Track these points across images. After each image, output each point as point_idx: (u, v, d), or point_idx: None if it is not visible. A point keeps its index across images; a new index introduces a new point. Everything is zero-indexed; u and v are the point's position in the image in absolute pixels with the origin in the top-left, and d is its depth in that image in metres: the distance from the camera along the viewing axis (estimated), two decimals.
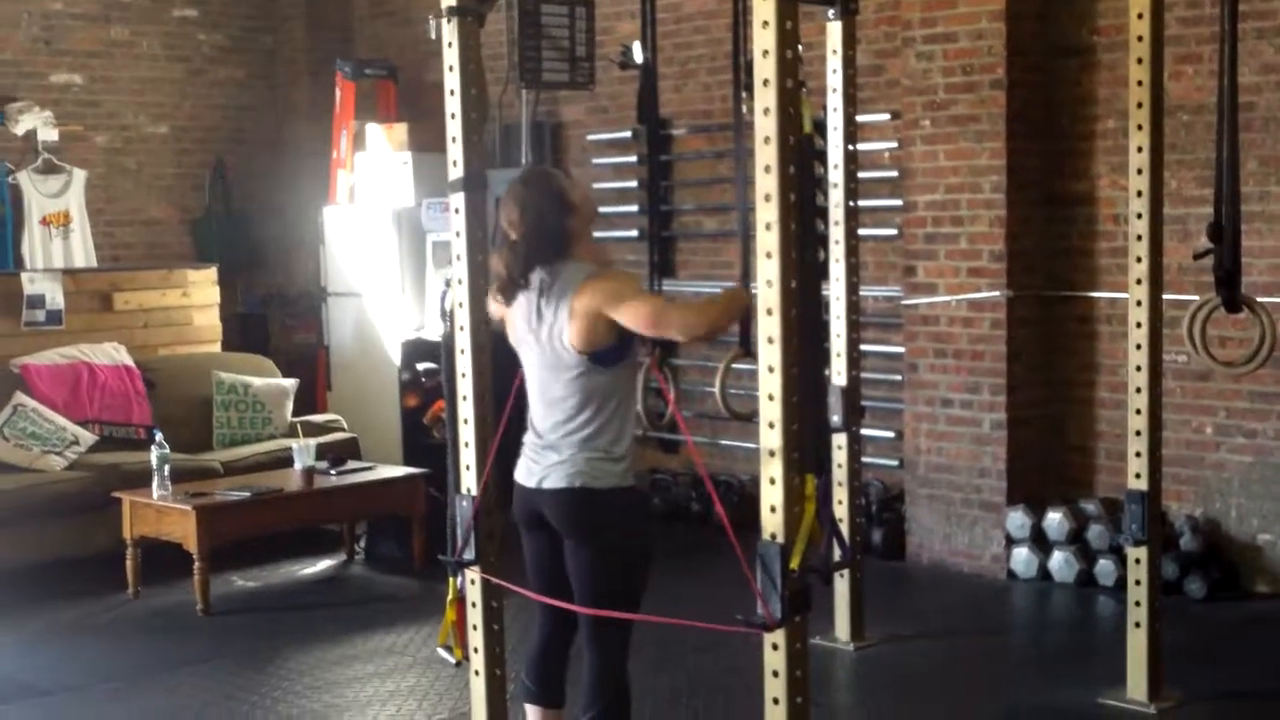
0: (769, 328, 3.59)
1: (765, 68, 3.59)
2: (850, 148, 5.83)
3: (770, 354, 3.60)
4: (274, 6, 10.41)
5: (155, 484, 6.67)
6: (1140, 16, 4.95)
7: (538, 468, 4.06)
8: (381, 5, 10.24)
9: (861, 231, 7.18)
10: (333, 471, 7.15)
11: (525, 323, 4.08)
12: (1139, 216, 5.01)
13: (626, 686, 4.09)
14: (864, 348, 7.34)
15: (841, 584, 5.84)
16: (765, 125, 3.59)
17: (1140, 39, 4.97)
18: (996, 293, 6.83)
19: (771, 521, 3.61)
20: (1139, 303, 4.99)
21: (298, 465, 6.93)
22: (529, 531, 4.16)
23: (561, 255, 4.04)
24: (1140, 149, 5.00)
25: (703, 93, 8.37)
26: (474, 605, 4.47)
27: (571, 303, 3.95)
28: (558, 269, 4.02)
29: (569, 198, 4.11)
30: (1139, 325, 5.00)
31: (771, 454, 3.61)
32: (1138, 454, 5.02)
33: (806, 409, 3.70)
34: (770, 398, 3.61)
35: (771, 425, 3.61)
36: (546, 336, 4.02)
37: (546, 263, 4.03)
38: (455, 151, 4.49)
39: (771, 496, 3.61)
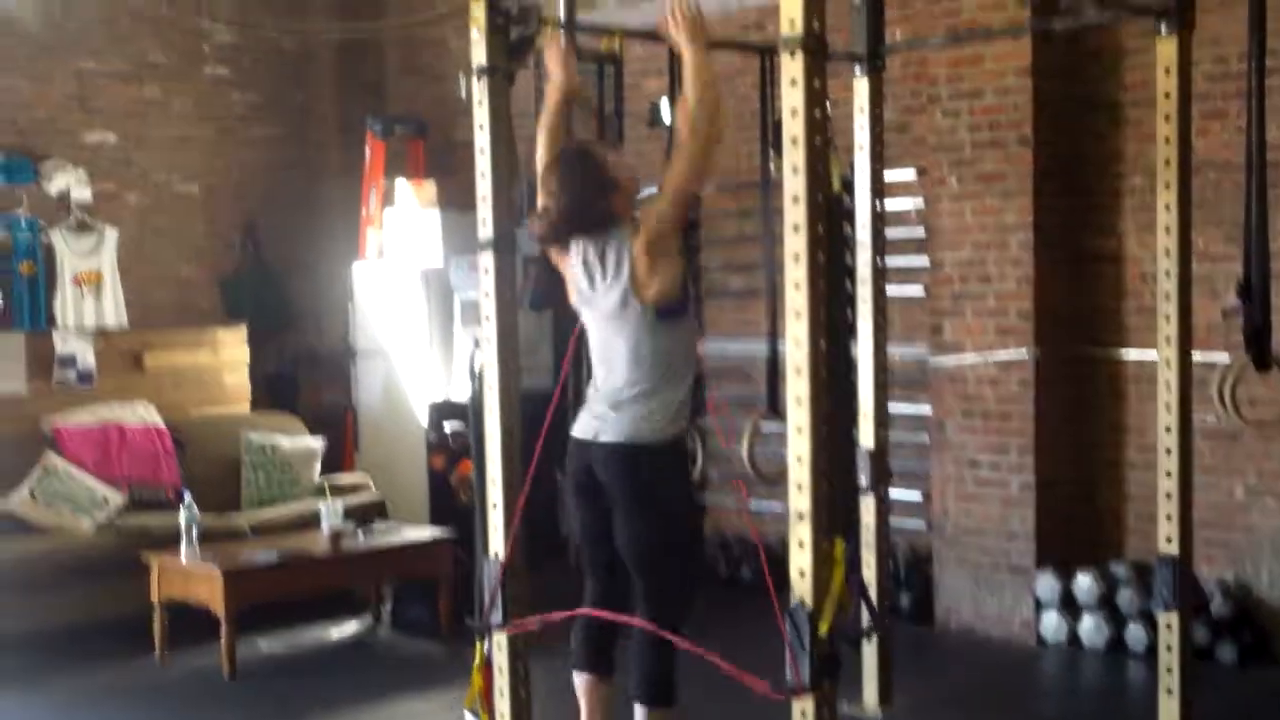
0: (797, 388, 3.59)
1: (793, 126, 3.60)
2: (878, 206, 5.82)
3: (799, 415, 3.59)
4: (306, 65, 10.50)
5: (183, 546, 6.67)
6: (1167, 72, 4.94)
7: (595, 422, 4.23)
8: (412, 63, 10.32)
9: (889, 290, 7.21)
10: (360, 533, 7.13)
11: (587, 282, 4.26)
12: (1167, 275, 4.98)
13: (674, 653, 4.13)
14: (891, 408, 7.35)
15: (869, 649, 5.75)
16: (794, 184, 3.60)
17: (1167, 95, 4.96)
18: (1024, 351, 6.79)
19: (800, 586, 3.59)
20: (1168, 362, 4.96)
21: (325, 527, 6.92)
22: (580, 495, 4.30)
23: (605, 227, 4.22)
24: (1168, 207, 4.98)
25: (729, 150, 8.36)
26: (500, 670, 4.45)
27: (633, 252, 4.13)
28: (609, 233, 4.20)
29: (610, 174, 4.26)
30: (1168, 385, 4.96)
31: (800, 517, 3.59)
32: (1168, 517, 4.96)
33: (835, 471, 3.68)
34: (799, 460, 3.60)
35: (800, 488, 3.60)
36: (613, 293, 4.15)
37: (588, 234, 4.23)
38: (485, 210, 4.51)
39: (800, 560, 3.59)
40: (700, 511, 4.27)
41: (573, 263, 4.30)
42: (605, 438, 4.16)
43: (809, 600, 3.56)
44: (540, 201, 4.37)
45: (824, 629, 3.54)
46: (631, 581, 4.20)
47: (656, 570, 4.09)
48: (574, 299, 4.35)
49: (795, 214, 3.58)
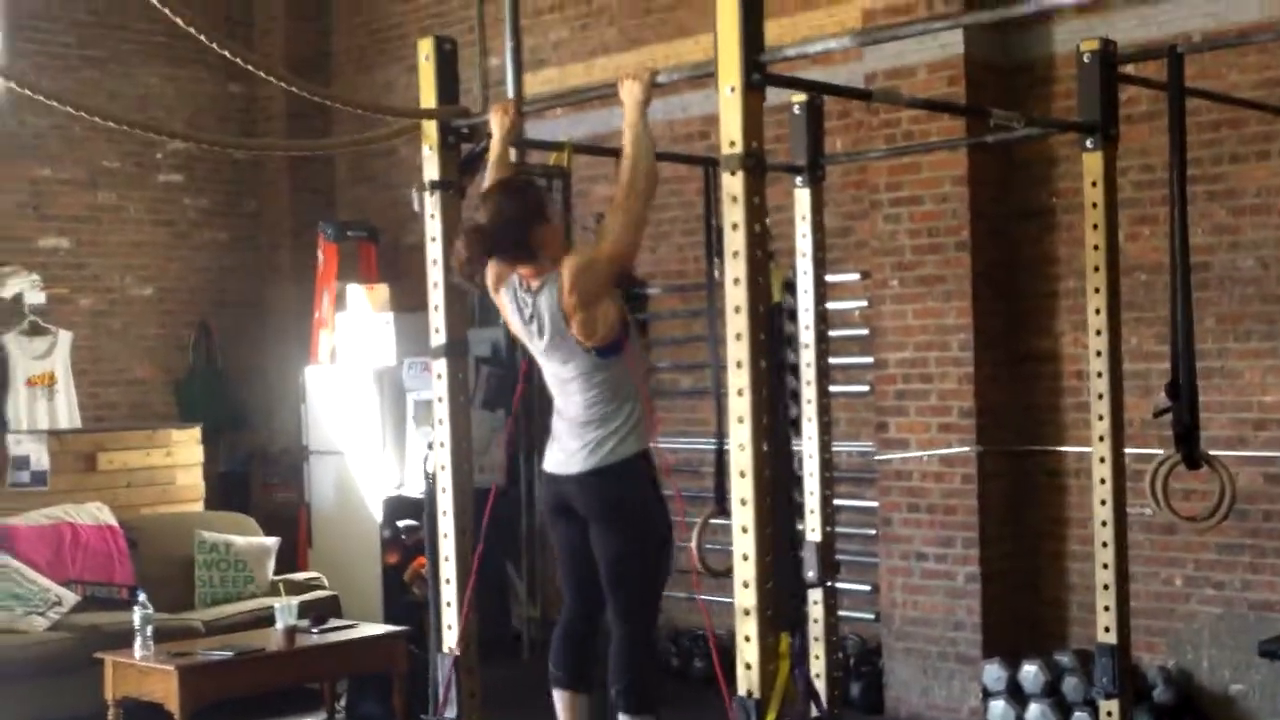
0: (742, 490, 3.74)
1: (735, 240, 3.78)
2: (820, 308, 6.00)
3: (744, 515, 3.74)
4: (258, 171, 10.67)
5: (138, 644, 6.70)
6: (1094, 185, 5.17)
7: (563, 455, 4.40)
8: (362, 170, 10.50)
9: (834, 388, 7.35)
10: (314, 630, 7.18)
11: (521, 324, 4.42)
12: (1099, 375, 5.17)
13: (654, 657, 4.36)
14: (839, 502, 7.45)
15: None
16: (735, 295, 3.77)
17: (1095, 205, 5.18)
18: (966, 448, 6.98)
19: (747, 678, 3.72)
20: (1102, 459, 5.14)
21: (279, 624, 6.96)
22: (556, 520, 4.48)
23: (532, 258, 4.34)
24: (1098, 310, 5.18)
25: (676, 253, 8.59)
26: None
27: (563, 304, 4.26)
28: (541, 286, 4.33)
29: (543, 207, 4.42)
30: (1103, 481, 5.14)
31: (746, 612, 3.73)
32: (1106, 608, 5.12)
33: (779, 567, 3.83)
34: (745, 558, 3.74)
35: (746, 585, 3.74)
36: (553, 341, 4.26)
37: (510, 258, 4.35)
38: (437, 319, 4.67)
39: (748, 654, 3.73)
40: (669, 534, 4.44)
41: (507, 311, 4.44)
42: (574, 469, 4.34)
43: (756, 691, 3.69)
44: (470, 223, 4.44)
45: (771, 719, 3.67)
46: (602, 600, 4.36)
47: (630, 584, 4.28)
48: (513, 330, 4.50)
49: (737, 324, 3.75)
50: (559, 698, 4.49)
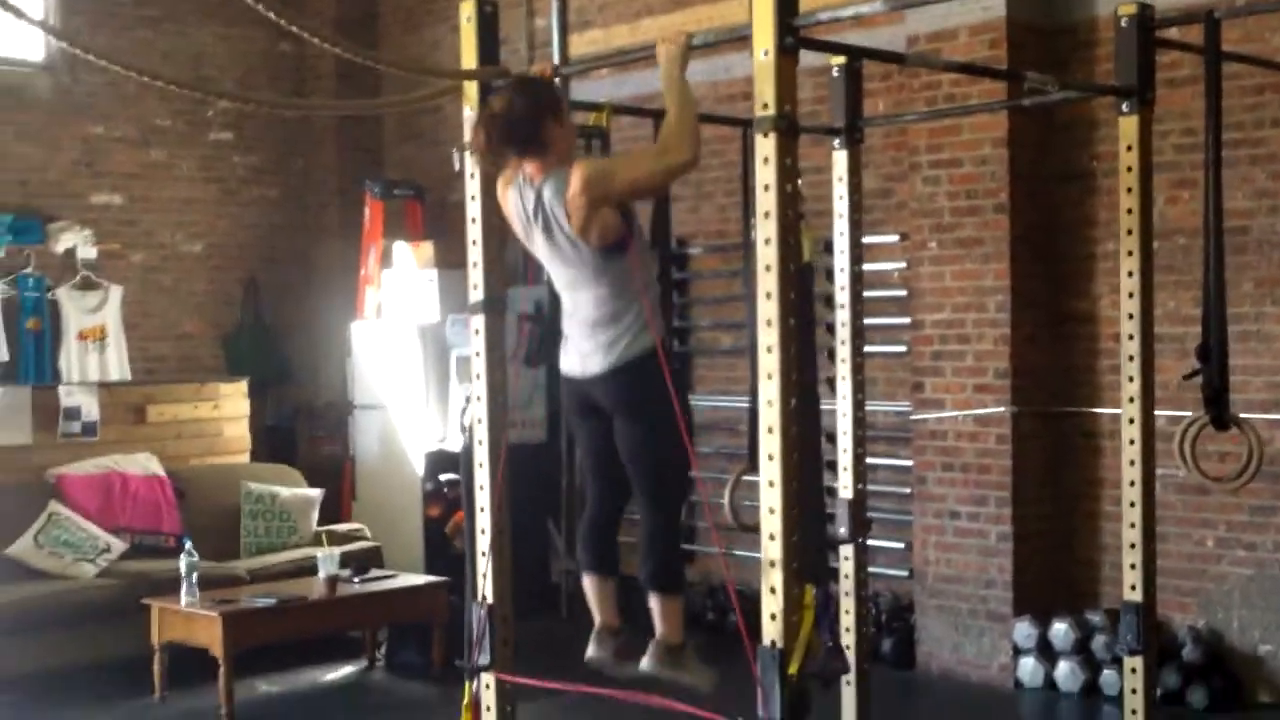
0: (770, 445, 3.80)
1: (766, 201, 3.83)
2: (856, 269, 6.05)
3: (771, 470, 3.81)
4: (307, 130, 10.78)
5: (183, 591, 6.87)
6: (1129, 148, 5.17)
7: (578, 356, 4.43)
8: (409, 128, 10.60)
9: (872, 348, 7.42)
10: (355, 579, 7.34)
11: (523, 222, 4.42)
12: (1130, 337, 5.18)
13: (679, 542, 4.46)
14: (875, 461, 7.54)
15: (849, 693, 5.95)
16: (766, 254, 3.83)
17: (1130, 169, 5.17)
18: (1002, 408, 7.03)
19: (771, 629, 3.80)
20: (1131, 420, 5.15)
21: (321, 573, 7.13)
22: (580, 419, 4.54)
23: (538, 153, 4.34)
24: (1131, 273, 5.18)
25: (718, 214, 8.65)
26: (488, 709, 4.64)
27: (567, 204, 4.26)
28: (544, 180, 4.33)
29: (560, 104, 4.44)
30: (1132, 441, 5.16)
31: (772, 564, 3.80)
32: (1132, 566, 5.15)
33: (806, 522, 3.90)
34: (771, 511, 3.81)
35: (772, 537, 3.81)
36: (557, 238, 4.33)
37: (520, 149, 4.34)
38: (476, 276, 4.74)
39: (771, 605, 3.80)
40: (688, 420, 4.55)
41: (511, 210, 4.49)
42: (593, 369, 4.39)
43: (780, 642, 3.77)
44: (486, 109, 4.45)
45: (793, 669, 3.75)
46: (627, 490, 4.47)
47: (656, 470, 4.38)
48: (521, 241, 4.56)
49: (768, 282, 3.81)
50: (588, 581, 4.62)
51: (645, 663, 4.42)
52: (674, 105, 4.25)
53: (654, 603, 4.45)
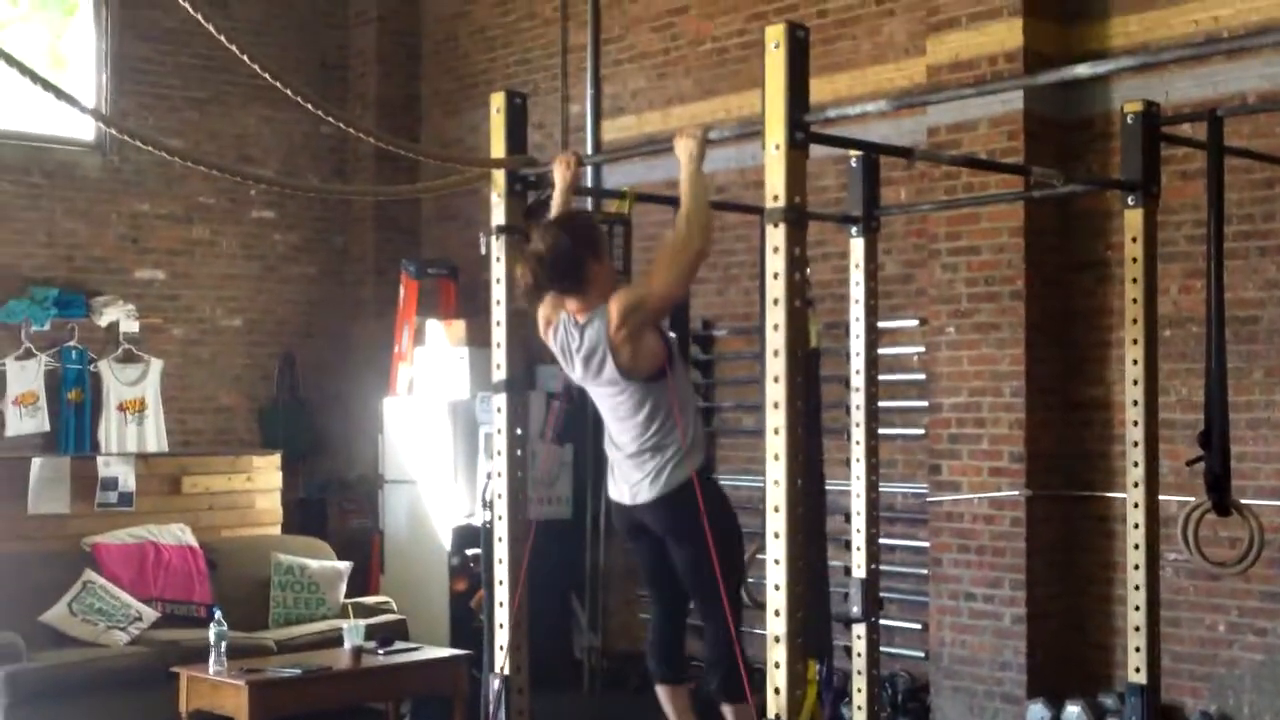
0: (775, 524, 3.96)
1: (775, 288, 4.02)
2: (871, 354, 6.20)
3: (777, 547, 3.96)
4: (346, 209, 11.06)
5: (212, 660, 7.01)
6: (1135, 240, 5.35)
7: (627, 486, 4.68)
8: (445, 209, 10.86)
9: (891, 431, 7.59)
10: (380, 651, 7.47)
11: (569, 360, 4.68)
12: (1135, 423, 5.33)
13: (738, 653, 4.64)
14: (893, 542, 7.69)
15: None
16: (774, 339, 4.01)
17: (1135, 260, 5.35)
18: (1016, 492, 7.15)
19: (776, 703, 3.93)
20: (1136, 504, 5.29)
21: (347, 644, 7.26)
22: (633, 540, 4.84)
23: (583, 293, 4.58)
24: (1136, 361, 5.34)
25: (744, 297, 8.83)
26: None
27: (611, 336, 4.51)
28: (589, 320, 4.58)
29: (599, 243, 4.69)
30: (1136, 525, 5.29)
31: (777, 639, 3.94)
32: (1137, 649, 5.27)
33: (810, 598, 4.04)
34: (777, 587, 3.96)
35: (777, 613, 3.95)
36: (599, 370, 4.55)
37: (564, 288, 4.58)
38: (499, 356, 4.95)
39: (776, 679, 3.94)
40: (738, 535, 4.77)
41: (556, 343, 4.70)
42: (642, 499, 4.63)
43: (784, 715, 3.90)
44: (530, 248, 4.67)
45: None
46: (686, 601, 4.76)
47: (711, 587, 4.58)
48: (565, 369, 4.75)
49: (775, 366, 3.98)
50: (662, 692, 4.88)
51: None
52: (687, 197, 4.45)
53: (726, 711, 4.71)
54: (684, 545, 4.61)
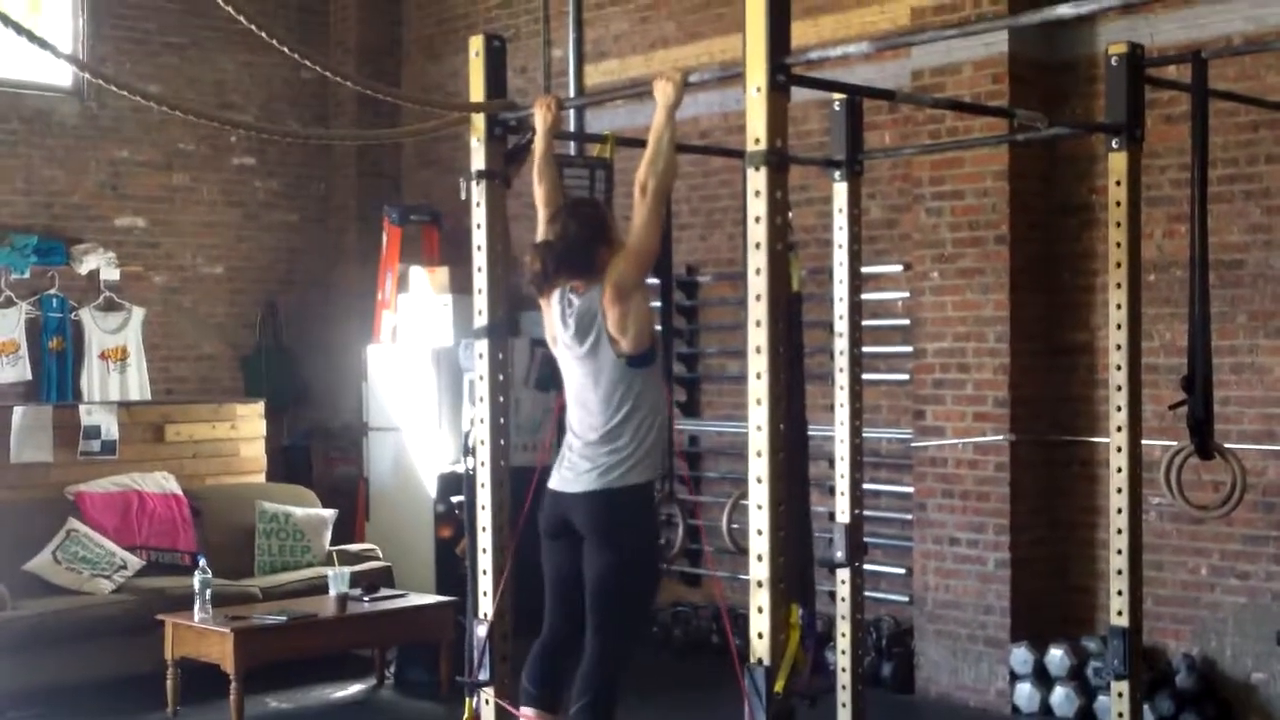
0: (758, 469, 3.95)
1: (757, 232, 3.98)
2: (855, 299, 6.18)
3: (759, 493, 3.95)
4: (328, 155, 10.98)
5: (197, 607, 7.02)
6: (1118, 184, 5.32)
7: (570, 474, 4.58)
8: (427, 155, 10.79)
9: (875, 376, 7.58)
10: (365, 599, 7.48)
11: (563, 328, 4.63)
12: (1118, 368, 5.32)
13: (619, 679, 4.48)
14: (878, 487, 7.70)
15: (844, 715, 6.06)
16: (757, 284, 3.98)
17: (1118, 204, 5.32)
18: (1000, 437, 7.15)
19: (759, 647, 3.93)
20: (1119, 449, 5.29)
21: (332, 592, 7.27)
22: (552, 540, 4.65)
23: (590, 274, 4.58)
24: (1119, 305, 5.32)
25: (728, 242, 8.80)
26: None
27: (602, 300, 4.50)
28: (588, 286, 4.55)
29: (609, 228, 4.68)
30: (1119, 470, 5.29)
31: (760, 584, 3.94)
32: (1119, 592, 5.28)
33: (792, 543, 4.03)
34: (759, 532, 3.95)
35: (760, 558, 3.95)
36: (588, 341, 4.53)
37: (575, 276, 4.59)
38: (481, 301, 4.92)
39: (759, 624, 3.93)
40: (660, 565, 4.65)
41: (553, 309, 4.67)
42: (579, 488, 4.51)
43: (767, 660, 3.90)
44: (540, 236, 4.70)
45: (779, 687, 3.88)
46: (583, 620, 4.52)
47: (612, 608, 4.44)
48: (551, 344, 4.71)
49: (758, 311, 3.95)
50: (530, 715, 4.61)
51: None
52: (654, 141, 4.44)
53: None
54: (605, 550, 4.44)
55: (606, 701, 4.47)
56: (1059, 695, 6.91)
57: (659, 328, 4.81)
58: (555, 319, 4.68)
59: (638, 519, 4.48)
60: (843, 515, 6.12)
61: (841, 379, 6.16)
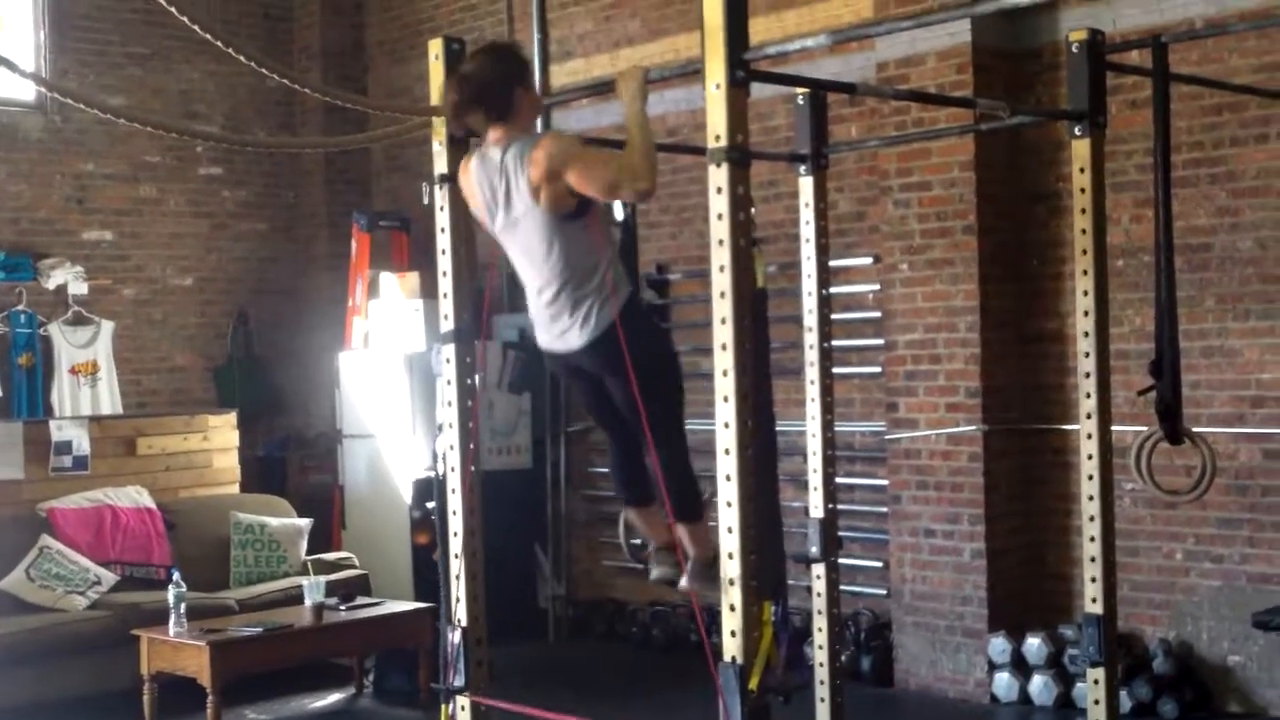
0: (726, 466, 3.94)
1: (720, 229, 3.98)
2: (823, 292, 6.16)
3: (728, 490, 3.94)
4: (295, 163, 10.94)
5: (172, 621, 6.98)
6: (1082, 170, 5.31)
7: (554, 335, 4.57)
8: (395, 160, 10.76)
9: (848, 370, 7.58)
10: (342, 607, 7.45)
11: (487, 205, 4.56)
12: (1086, 355, 5.31)
13: (692, 472, 4.63)
14: (852, 481, 7.69)
15: (823, 710, 6.04)
16: (721, 281, 3.98)
17: (1083, 190, 5.31)
18: (973, 427, 7.15)
19: (732, 645, 3.91)
20: (1089, 435, 5.28)
21: (308, 601, 7.24)
22: (570, 379, 4.79)
23: (505, 118, 4.51)
24: (1086, 292, 5.31)
25: (697, 240, 8.78)
26: None
27: (529, 172, 4.40)
28: (507, 146, 4.47)
29: (528, 74, 4.63)
30: (1090, 456, 5.27)
31: (731, 582, 3.92)
32: (1093, 579, 5.26)
33: (763, 540, 4.02)
34: (729, 530, 3.94)
35: (731, 555, 3.93)
36: (514, 203, 4.46)
37: (488, 113, 4.50)
38: (446, 306, 4.89)
39: (731, 622, 3.92)
40: (673, 350, 4.78)
41: (474, 186, 4.60)
42: (573, 345, 4.54)
43: (740, 658, 3.89)
44: (459, 70, 4.65)
45: (753, 684, 3.87)
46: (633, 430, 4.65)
47: (654, 416, 4.50)
48: (483, 222, 4.66)
49: (723, 308, 3.95)
50: (633, 514, 4.86)
51: (685, 581, 4.63)
52: (638, 136, 4.38)
53: (681, 532, 4.63)
54: (623, 381, 4.53)
55: (690, 492, 4.61)
56: (1037, 684, 6.92)
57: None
58: (475, 185, 4.60)
59: (637, 337, 4.51)
60: (817, 510, 6.09)
61: (812, 373, 6.13)
